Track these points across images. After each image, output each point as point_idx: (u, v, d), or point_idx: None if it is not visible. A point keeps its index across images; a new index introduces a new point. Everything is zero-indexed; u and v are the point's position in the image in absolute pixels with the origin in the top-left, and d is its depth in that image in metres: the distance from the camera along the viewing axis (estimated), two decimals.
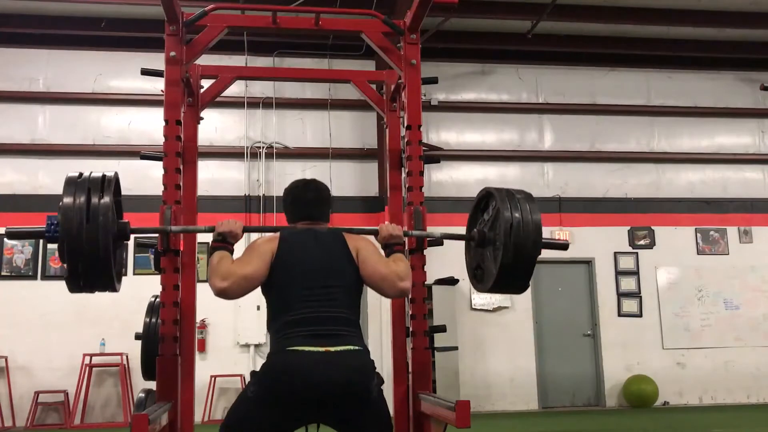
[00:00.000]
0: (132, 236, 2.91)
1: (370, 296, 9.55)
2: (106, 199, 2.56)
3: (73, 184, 2.57)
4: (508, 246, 2.84)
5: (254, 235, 3.23)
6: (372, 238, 2.85)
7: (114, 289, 2.71)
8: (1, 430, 8.32)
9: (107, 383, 8.88)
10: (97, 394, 8.82)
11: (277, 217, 9.50)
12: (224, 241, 2.70)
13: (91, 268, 2.53)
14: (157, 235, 3.29)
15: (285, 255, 2.59)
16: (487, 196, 3.11)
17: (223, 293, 2.52)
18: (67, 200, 2.52)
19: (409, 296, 3.33)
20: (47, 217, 2.60)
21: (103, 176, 2.63)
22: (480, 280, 3.16)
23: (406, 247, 3.67)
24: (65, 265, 2.56)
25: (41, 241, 9.03)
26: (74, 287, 2.60)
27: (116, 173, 2.72)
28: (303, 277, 2.56)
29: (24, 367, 8.69)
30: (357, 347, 2.50)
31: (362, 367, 2.48)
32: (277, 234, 2.70)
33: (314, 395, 2.38)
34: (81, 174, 2.62)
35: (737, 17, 10.00)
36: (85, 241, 2.48)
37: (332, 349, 2.43)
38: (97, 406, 8.83)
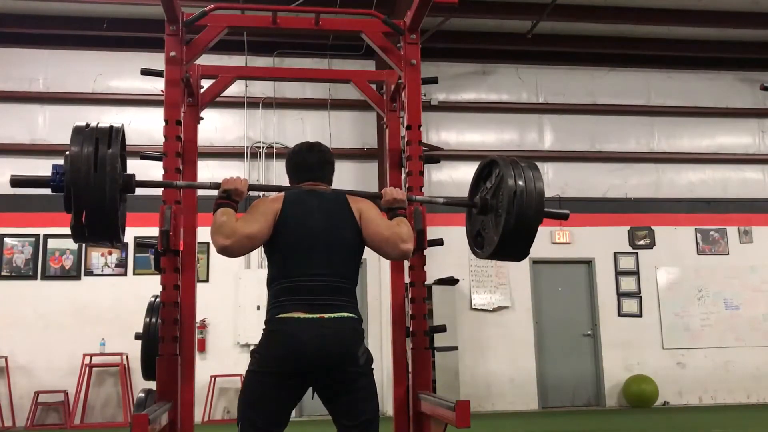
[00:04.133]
0: (137, 188, 2.85)
1: (371, 297, 9.55)
2: (114, 150, 2.53)
3: (81, 133, 2.54)
4: (510, 213, 2.83)
5: None
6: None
7: (119, 240, 2.68)
8: (1, 430, 8.32)
9: (107, 383, 8.88)
10: (97, 394, 8.82)
11: None
12: (229, 198, 2.69)
13: (97, 217, 2.50)
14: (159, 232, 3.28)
15: (288, 216, 2.62)
16: (491, 164, 3.10)
17: (225, 251, 2.54)
18: (75, 149, 2.49)
19: (409, 259, 3.32)
20: (53, 166, 2.55)
21: (111, 127, 2.60)
22: (480, 247, 3.15)
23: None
24: (70, 215, 2.51)
25: (41, 241, 9.04)
26: (78, 237, 2.56)
27: (123, 125, 2.69)
28: (304, 240, 2.59)
29: (24, 367, 8.69)
30: (349, 315, 2.56)
31: (348, 337, 2.52)
32: (282, 194, 2.72)
33: (306, 361, 2.44)
34: (88, 124, 2.59)
35: (737, 17, 10.00)
36: (92, 190, 2.45)
37: (326, 316, 2.49)
38: (97, 406, 8.82)
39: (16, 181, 2.68)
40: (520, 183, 2.86)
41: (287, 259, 2.59)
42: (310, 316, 2.48)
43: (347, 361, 2.50)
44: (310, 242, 2.59)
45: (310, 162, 2.83)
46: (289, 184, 2.88)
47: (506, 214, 2.84)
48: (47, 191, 9.01)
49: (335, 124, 9.98)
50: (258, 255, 9.44)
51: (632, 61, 10.84)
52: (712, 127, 11.00)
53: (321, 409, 2.65)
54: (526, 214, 2.84)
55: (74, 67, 9.67)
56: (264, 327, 2.57)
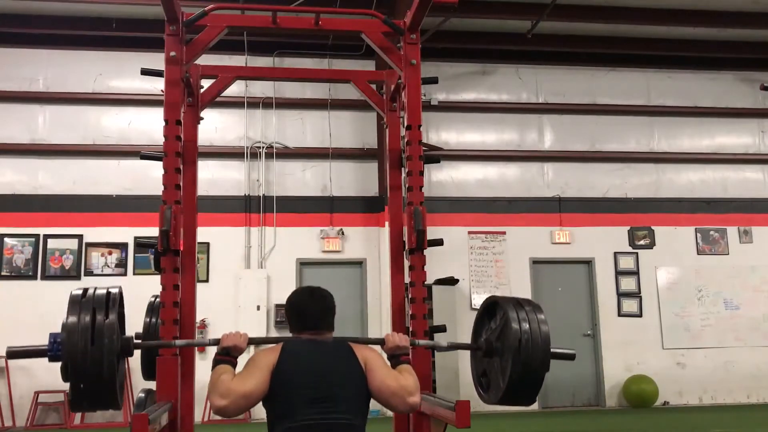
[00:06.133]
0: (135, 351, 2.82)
1: (370, 296, 9.54)
2: (111, 318, 2.53)
3: (78, 303, 2.54)
4: (516, 362, 2.77)
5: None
6: (378, 348, 2.79)
7: (117, 408, 2.65)
8: (1, 430, 8.32)
9: None
10: None
11: (276, 218, 9.51)
12: (228, 355, 2.64)
13: (94, 389, 2.50)
14: (158, 236, 3.28)
15: (286, 366, 2.53)
16: (494, 304, 3.03)
17: (221, 412, 2.46)
18: (72, 320, 2.49)
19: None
20: (50, 335, 2.55)
21: (108, 294, 2.59)
22: (485, 390, 3.08)
23: (407, 246, 3.67)
24: (68, 384, 2.52)
25: (41, 241, 9.04)
26: (77, 407, 2.57)
27: (120, 289, 2.68)
28: (306, 385, 2.49)
29: (24, 367, 8.68)
30: None
31: None
32: (279, 345, 2.64)
33: None
34: (86, 292, 2.59)
35: (737, 17, 10.00)
36: (89, 364, 2.46)
37: None
38: None
39: (12, 353, 2.71)
40: (525, 327, 2.79)
41: (288, 404, 2.46)
42: None
43: None
44: (312, 385, 2.48)
45: (310, 310, 2.72)
46: (289, 332, 2.80)
47: (512, 364, 2.78)
48: (48, 191, 9.03)
49: (335, 124, 9.98)
50: (258, 254, 9.45)
51: (632, 61, 10.84)
52: (712, 127, 10.99)
53: None
54: (533, 362, 2.78)
55: (74, 67, 9.67)
56: None
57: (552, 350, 2.85)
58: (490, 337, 2.99)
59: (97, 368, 2.45)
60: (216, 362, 2.60)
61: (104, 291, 2.60)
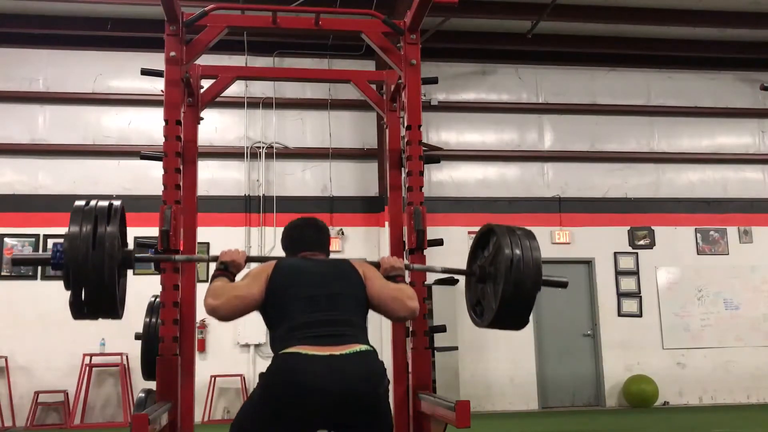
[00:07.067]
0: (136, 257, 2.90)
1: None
2: (112, 228, 2.58)
3: (80, 212, 2.58)
4: (508, 282, 2.83)
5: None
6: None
7: (117, 316, 2.70)
8: (1, 430, 8.32)
9: (107, 383, 8.88)
10: (97, 394, 8.82)
11: (277, 218, 9.51)
12: (226, 270, 2.68)
13: (95, 295, 2.53)
14: (157, 236, 3.29)
15: (282, 273, 2.57)
16: (488, 232, 3.10)
17: (213, 311, 2.47)
18: (74, 228, 2.53)
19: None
20: (53, 244, 2.60)
21: (110, 205, 2.64)
22: (479, 315, 3.15)
23: (407, 246, 3.68)
24: (69, 292, 2.55)
25: (41, 241, 9.04)
26: (78, 314, 2.60)
27: (122, 203, 2.72)
28: (303, 287, 2.52)
29: (24, 367, 8.69)
30: (364, 347, 2.39)
31: (371, 374, 2.36)
32: (275, 261, 2.68)
33: (318, 405, 2.27)
34: (88, 202, 2.63)
35: (737, 17, 10.00)
36: (90, 269, 2.48)
37: (337, 352, 2.32)
38: (97, 406, 8.82)
39: (17, 261, 2.76)
40: (517, 252, 2.87)
41: (285, 308, 2.48)
42: (319, 353, 2.30)
43: (364, 407, 2.33)
44: (310, 289, 2.50)
45: (306, 235, 2.80)
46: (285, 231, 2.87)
47: (504, 284, 2.85)
48: (48, 191, 9.06)
49: (335, 124, 9.98)
50: (258, 254, 9.45)
51: (632, 61, 10.84)
52: (712, 127, 10.99)
53: None
54: (524, 284, 2.85)
55: (74, 67, 9.67)
56: (270, 362, 2.41)
57: (544, 277, 2.92)
58: (484, 263, 3.07)
59: (98, 274, 2.50)
60: (214, 276, 2.65)
61: (107, 202, 2.66)
